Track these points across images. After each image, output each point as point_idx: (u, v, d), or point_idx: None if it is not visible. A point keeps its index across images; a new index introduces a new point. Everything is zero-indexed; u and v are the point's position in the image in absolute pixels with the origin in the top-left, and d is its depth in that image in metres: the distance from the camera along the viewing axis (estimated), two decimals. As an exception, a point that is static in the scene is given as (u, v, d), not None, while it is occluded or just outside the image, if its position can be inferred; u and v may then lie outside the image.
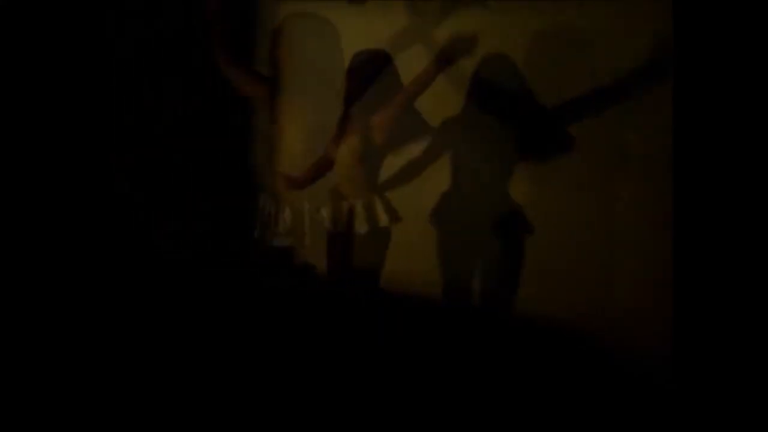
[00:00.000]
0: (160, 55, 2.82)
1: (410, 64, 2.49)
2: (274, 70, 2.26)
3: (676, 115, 2.04)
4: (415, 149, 2.49)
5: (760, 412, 1.89)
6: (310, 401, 2.26)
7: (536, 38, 2.31)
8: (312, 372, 2.34)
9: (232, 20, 2.56)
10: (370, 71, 2.12)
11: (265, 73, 2.40)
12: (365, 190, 2.23)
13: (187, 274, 2.79)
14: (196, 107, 2.83)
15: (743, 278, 1.93)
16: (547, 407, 2.24)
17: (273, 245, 2.28)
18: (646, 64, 2.12)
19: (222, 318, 2.69)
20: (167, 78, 2.82)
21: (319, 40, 2.26)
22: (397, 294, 2.65)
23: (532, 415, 2.21)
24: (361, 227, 2.12)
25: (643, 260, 2.19)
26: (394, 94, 2.16)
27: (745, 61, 1.91)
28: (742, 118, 1.92)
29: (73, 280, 2.70)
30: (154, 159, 2.83)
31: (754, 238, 1.91)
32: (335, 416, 2.22)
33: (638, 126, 2.18)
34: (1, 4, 2.58)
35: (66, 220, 2.72)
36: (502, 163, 2.42)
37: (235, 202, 2.55)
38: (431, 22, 2.34)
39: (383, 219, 2.18)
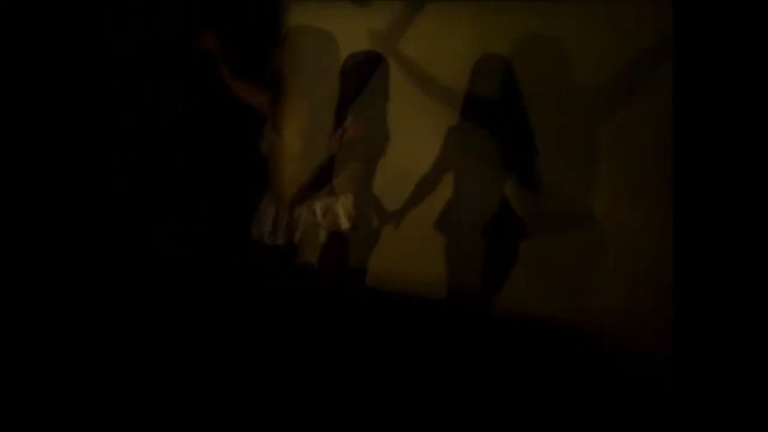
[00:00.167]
0: (160, 55, 2.82)
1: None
2: (278, 79, 2.28)
3: (676, 114, 2.04)
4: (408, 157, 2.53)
5: (760, 412, 1.89)
6: (310, 401, 2.26)
7: (521, 42, 2.34)
8: (312, 372, 2.34)
9: (232, 36, 2.60)
10: (365, 72, 2.13)
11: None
12: (357, 189, 2.25)
13: (187, 274, 2.79)
14: (196, 107, 2.83)
15: (743, 278, 1.93)
16: (547, 407, 2.23)
17: (268, 243, 2.28)
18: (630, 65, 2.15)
19: (222, 318, 2.69)
20: (167, 78, 2.83)
21: (321, 50, 2.28)
22: (396, 294, 2.66)
23: (533, 415, 2.21)
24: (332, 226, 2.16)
25: (643, 260, 2.19)
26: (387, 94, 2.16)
27: (745, 60, 1.91)
28: (742, 117, 1.92)
29: (73, 280, 2.70)
30: (154, 159, 2.83)
31: (754, 237, 1.91)
32: (335, 416, 2.22)
33: (638, 125, 2.18)
34: (1, 4, 2.58)
35: (66, 220, 2.72)
36: (499, 166, 2.43)
37: (235, 202, 2.54)
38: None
39: (343, 222, 2.20)
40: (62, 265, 2.70)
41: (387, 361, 2.51)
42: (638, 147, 2.19)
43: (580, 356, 2.30)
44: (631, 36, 2.16)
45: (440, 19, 2.51)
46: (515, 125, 2.39)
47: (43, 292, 2.65)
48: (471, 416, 2.22)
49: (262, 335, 2.46)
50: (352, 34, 2.61)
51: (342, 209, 2.21)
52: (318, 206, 2.19)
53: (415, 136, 2.59)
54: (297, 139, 2.17)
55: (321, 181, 2.22)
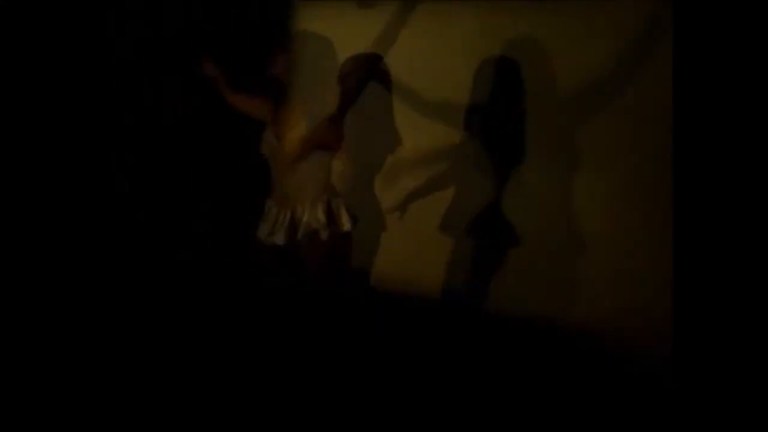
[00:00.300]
0: (160, 55, 2.82)
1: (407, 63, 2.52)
2: (278, 83, 2.30)
3: (676, 114, 2.04)
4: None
5: (760, 412, 1.89)
6: (310, 400, 2.26)
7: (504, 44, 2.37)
8: (311, 371, 2.34)
9: (232, 36, 2.62)
10: (363, 73, 2.14)
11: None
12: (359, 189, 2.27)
13: (187, 274, 2.79)
14: (196, 107, 2.83)
15: (743, 278, 1.92)
16: (547, 407, 2.23)
17: (271, 243, 2.29)
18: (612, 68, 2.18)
19: (222, 318, 2.70)
20: (167, 78, 2.83)
21: (320, 54, 2.30)
22: (395, 295, 2.66)
23: (533, 416, 2.21)
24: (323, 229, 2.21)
25: (643, 260, 2.19)
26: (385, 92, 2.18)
27: (745, 60, 1.90)
28: (742, 116, 1.92)
29: (73, 280, 2.71)
30: (154, 159, 2.83)
31: (754, 237, 1.91)
32: (335, 415, 2.22)
33: (638, 124, 2.18)
34: (1, 4, 2.58)
35: (66, 219, 2.72)
36: (497, 169, 2.44)
37: (235, 202, 2.55)
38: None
39: (344, 222, 2.22)
40: (62, 264, 2.70)
41: (386, 360, 2.51)
42: (638, 147, 2.18)
43: (580, 356, 2.30)
44: (631, 36, 2.16)
45: (437, 19, 2.52)
46: (511, 128, 2.39)
47: (43, 291, 2.65)
48: (472, 416, 2.22)
49: (262, 335, 2.46)
50: (356, 36, 2.62)
51: (343, 210, 2.23)
52: (319, 207, 2.20)
53: (414, 137, 2.60)
54: (296, 142, 2.18)
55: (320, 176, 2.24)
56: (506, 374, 2.38)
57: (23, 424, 2.17)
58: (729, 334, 1.95)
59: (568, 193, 2.33)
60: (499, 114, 2.43)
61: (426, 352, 2.54)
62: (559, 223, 2.34)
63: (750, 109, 1.90)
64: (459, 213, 2.53)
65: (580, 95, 2.26)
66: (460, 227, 2.53)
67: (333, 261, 2.26)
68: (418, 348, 2.56)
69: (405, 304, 2.66)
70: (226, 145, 2.63)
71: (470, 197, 2.49)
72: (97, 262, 2.77)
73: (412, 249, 2.66)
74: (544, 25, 2.29)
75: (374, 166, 2.67)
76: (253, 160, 2.51)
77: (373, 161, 2.67)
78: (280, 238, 2.25)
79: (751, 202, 1.91)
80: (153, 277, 2.78)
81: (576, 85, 2.26)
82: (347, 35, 2.65)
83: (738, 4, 1.90)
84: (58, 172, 2.71)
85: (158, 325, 2.69)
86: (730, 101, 1.93)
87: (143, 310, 2.74)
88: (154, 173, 2.83)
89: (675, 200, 2.05)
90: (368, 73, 2.10)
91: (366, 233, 2.66)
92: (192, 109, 2.83)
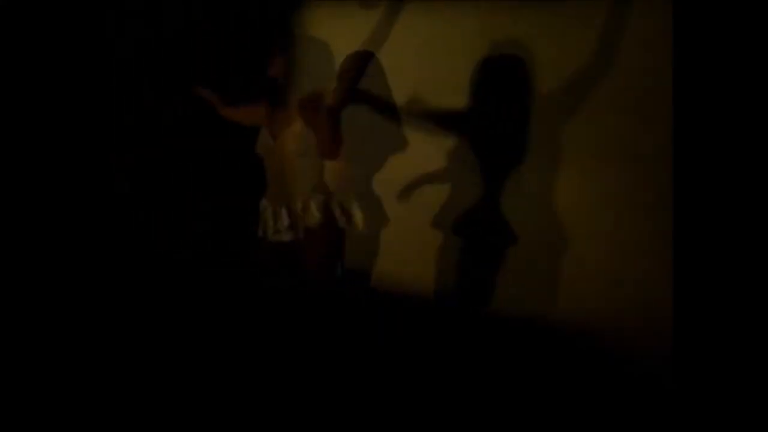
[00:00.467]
0: (160, 55, 2.82)
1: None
2: (275, 84, 2.32)
3: (676, 114, 2.04)
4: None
5: (760, 412, 1.89)
6: (310, 400, 2.26)
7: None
8: (311, 371, 2.34)
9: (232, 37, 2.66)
10: (357, 72, 2.16)
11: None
12: (347, 185, 2.30)
13: (187, 273, 2.79)
14: (196, 107, 2.83)
15: (743, 278, 1.93)
16: (547, 407, 2.23)
17: (272, 242, 2.31)
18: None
19: (222, 318, 2.70)
20: (167, 78, 2.83)
21: (316, 57, 2.33)
22: (395, 295, 2.66)
23: (533, 415, 2.21)
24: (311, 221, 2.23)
25: (643, 260, 2.19)
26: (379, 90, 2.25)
27: (745, 60, 1.90)
28: (742, 117, 1.92)
29: (73, 280, 2.70)
30: (154, 159, 2.83)
31: (754, 237, 1.91)
32: (334, 415, 2.22)
33: (638, 126, 2.18)
34: (1, 4, 2.58)
35: (67, 219, 2.72)
36: (495, 169, 2.44)
37: (235, 202, 2.55)
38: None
39: (340, 220, 2.24)
40: (63, 264, 2.70)
41: (386, 360, 2.51)
42: (638, 147, 2.18)
43: (580, 356, 2.30)
44: (631, 36, 2.16)
45: (435, 19, 2.52)
46: (511, 128, 2.39)
47: (43, 291, 2.65)
48: (471, 417, 2.22)
49: (262, 335, 2.46)
50: (358, 36, 2.63)
51: (337, 208, 2.23)
52: (313, 204, 2.21)
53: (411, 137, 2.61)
54: (290, 141, 2.19)
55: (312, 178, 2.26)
56: (506, 374, 2.38)
57: (23, 424, 2.17)
58: (729, 334, 1.95)
59: (567, 193, 2.33)
60: (498, 114, 2.43)
61: (426, 352, 2.54)
62: (559, 223, 2.34)
63: (750, 108, 1.90)
64: (456, 212, 2.53)
65: (580, 95, 2.26)
66: (459, 227, 2.53)
67: (329, 258, 2.27)
68: (418, 348, 2.56)
69: (405, 304, 2.66)
70: (226, 145, 2.63)
71: (469, 197, 2.49)
72: (97, 262, 2.76)
73: (412, 249, 2.66)
74: (544, 24, 2.29)
75: (374, 165, 2.68)
76: (252, 160, 2.52)
77: (373, 161, 2.68)
78: (287, 236, 2.27)
79: (751, 202, 1.91)
80: (153, 277, 2.78)
81: (576, 85, 2.26)
82: (348, 35, 2.66)
83: (738, 4, 1.90)
84: (59, 172, 2.71)
85: (158, 325, 2.69)
86: (730, 101, 1.93)
87: (143, 310, 2.73)
88: (154, 173, 2.83)
89: (675, 200, 2.05)
90: (362, 69, 2.12)
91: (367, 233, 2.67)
92: (192, 109, 2.83)
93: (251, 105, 2.41)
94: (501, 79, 2.41)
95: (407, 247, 2.66)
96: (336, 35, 2.63)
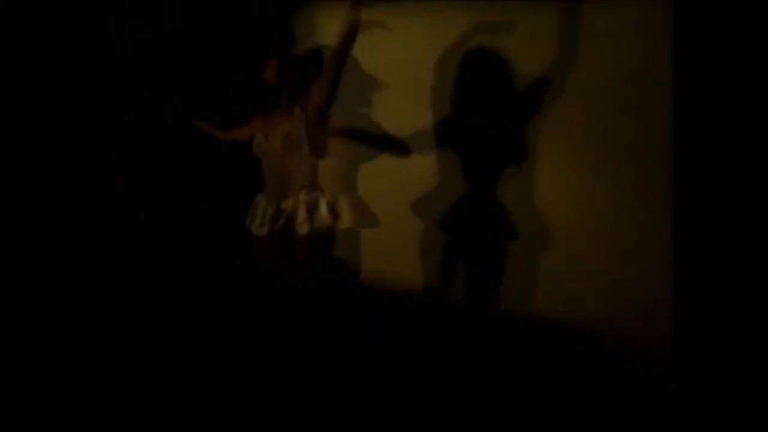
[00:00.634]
0: (160, 55, 2.82)
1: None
2: (270, 86, 2.39)
3: (676, 114, 2.04)
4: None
5: (760, 412, 1.89)
6: (310, 399, 2.26)
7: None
8: (310, 370, 2.34)
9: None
10: (335, 69, 2.24)
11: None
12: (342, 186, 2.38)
13: (187, 273, 2.79)
14: (196, 107, 2.83)
15: (743, 278, 1.93)
16: (547, 407, 2.24)
17: (255, 234, 2.39)
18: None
19: (221, 317, 2.70)
20: (167, 78, 2.83)
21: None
22: (394, 294, 2.66)
23: (533, 415, 2.21)
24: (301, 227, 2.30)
25: (643, 260, 2.19)
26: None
27: (745, 60, 1.90)
28: (742, 117, 1.92)
29: (73, 279, 2.70)
30: (154, 159, 2.83)
31: (754, 237, 1.91)
32: (334, 414, 2.22)
33: (638, 126, 2.18)
34: (1, 4, 2.58)
35: (66, 219, 2.72)
36: (492, 168, 2.45)
37: (234, 202, 2.55)
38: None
39: (326, 218, 2.30)
40: (62, 264, 2.70)
41: (386, 360, 2.51)
42: (638, 147, 2.18)
43: (580, 356, 2.30)
44: (631, 36, 2.16)
45: (433, 19, 2.53)
46: (510, 128, 2.40)
47: (43, 290, 2.65)
48: (471, 417, 2.22)
49: (261, 334, 2.46)
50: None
51: (325, 205, 2.29)
52: (302, 201, 2.28)
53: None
54: (281, 141, 2.27)
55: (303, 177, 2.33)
56: (506, 374, 2.38)
57: (23, 424, 2.17)
58: (729, 334, 1.95)
59: (567, 193, 2.33)
60: (492, 113, 2.43)
61: (425, 352, 2.54)
62: (559, 223, 2.34)
63: (750, 108, 1.90)
64: (453, 212, 2.54)
65: (579, 95, 2.26)
66: (457, 226, 2.54)
67: (316, 255, 2.32)
68: (416, 348, 2.56)
69: (405, 304, 2.66)
70: (225, 145, 2.63)
71: (465, 196, 2.50)
72: (96, 262, 2.76)
73: (410, 249, 2.66)
74: (545, 24, 2.29)
75: (361, 163, 2.70)
76: (251, 160, 2.52)
77: (361, 159, 2.70)
78: (264, 230, 2.34)
79: (751, 202, 1.91)
80: (153, 277, 2.78)
81: (576, 84, 2.27)
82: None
83: (738, 4, 1.90)
84: (59, 172, 2.71)
85: (158, 324, 2.69)
86: (730, 101, 1.93)
87: (143, 309, 2.73)
88: (154, 173, 2.83)
89: (675, 200, 2.05)
90: (342, 65, 2.20)
91: (356, 231, 2.69)
92: (192, 109, 2.83)
93: (244, 124, 2.50)
94: (495, 78, 2.41)
95: (406, 248, 2.66)
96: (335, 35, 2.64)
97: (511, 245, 2.43)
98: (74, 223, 2.73)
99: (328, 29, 2.69)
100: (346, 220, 2.31)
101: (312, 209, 2.28)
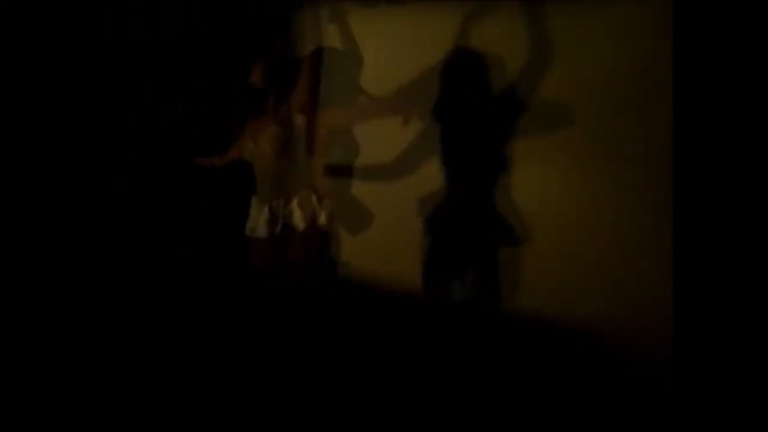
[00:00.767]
0: (160, 55, 2.82)
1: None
2: (257, 90, 2.43)
3: (676, 114, 2.04)
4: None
5: (760, 412, 1.89)
6: (310, 399, 2.26)
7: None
8: (310, 371, 2.35)
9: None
10: (314, 71, 2.30)
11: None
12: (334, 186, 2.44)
13: (187, 274, 2.79)
14: (196, 107, 2.83)
15: (743, 278, 1.93)
16: (547, 407, 2.23)
17: (255, 237, 2.43)
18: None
19: (221, 317, 2.69)
20: (167, 78, 2.83)
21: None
22: (395, 294, 2.66)
23: (533, 415, 2.21)
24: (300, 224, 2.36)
25: (643, 260, 2.19)
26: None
27: (745, 60, 1.90)
28: (741, 117, 1.92)
29: (73, 280, 2.70)
30: (154, 159, 2.83)
31: (754, 237, 1.91)
32: (334, 414, 2.22)
33: (638, 126, 2.18)
34: (1, 4, 2.58)
35: (66, 219, 2.72)
36: (490, 169, 2.45)
37: (234, 202, 2.57)
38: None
39: (320, 217, 2.32)
40: (62, 264, 2.70)
41: (385, 360, 2.51)
42: (638, 147, 2.18)
43: (580, 356, 2.30)
44: (631, 36, 2.16)
45: (434, 19, 2.52)
46: (510, 127, 2.40)
47: (43, 291, 2.65)
48: (471, 417, 2.22)
49: (261, 335, 2.46)
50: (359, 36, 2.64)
51: (318, 205, 2.33)
52: (295, 202, 2.32)
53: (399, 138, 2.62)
54: (269, 145, 2.29)
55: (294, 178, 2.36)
56: (506, 374, 2.38)
57: (23, 424, 2.17)
58: (729, 334, 1.95)
59: (567, 193, 2.33)
60: (495, 114, 2.43)
61: (424, 353, 2.54)
62: (559, 223, 2.34)
63: (750, 109, 1.90)
64: (452, 212, 2.54)
65: (579, 95, 2.26)
66: (457, 227, 2.54)
67: (311, 256, 2.35)
68: (417, 348, 2.56)
69: (404, 304, 2.66)
70: (225, 145, 2.63)
71: (464, 197, 2.50)
72: (96, 262, 2.76)
73: (410, 248, 2.66)
74: (545, 25, 2.29)
75: (354, 164, 2.71)
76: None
77: (353, 160, 2.70)
78: (262, 232, 2.38)
79: (750, 202, 1.91)
80: (153, 277, 2.78)
81: (576, 84, 2.27)
82: (348, 35, 2.66)
83: (738, 4, 1.90)
84: (58, 172, 2.71)
85: (157, 324, 2.69)
86: (730, 101, 1.93)
87: (143, 310, 2.73)
88: (154, 173, 2.83)
89: (675, 200, 2.05)
90: (318, 56, 2.24)
91: (350, 231, 2.69)
92: (192, 109, 2.83)
93: (235, 144, 2.57)
94: (491, 77, 2.41)
95: (406, 248, 2.66)
96: (335, 36, 2.64)
97: (510, 245, 2.43)
98: (74, 223, 2.73)
99: (327, 29, 2.69)
100: (325, 218, 2.35)
101: (305, 209, 2.32)
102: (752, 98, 1.90)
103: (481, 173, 2.47)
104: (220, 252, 2.81)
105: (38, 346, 2.53)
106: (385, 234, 2.65)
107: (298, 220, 2.32)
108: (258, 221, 2.40)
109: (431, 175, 2.57)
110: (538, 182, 2.37)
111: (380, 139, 2.66)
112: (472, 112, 2.48)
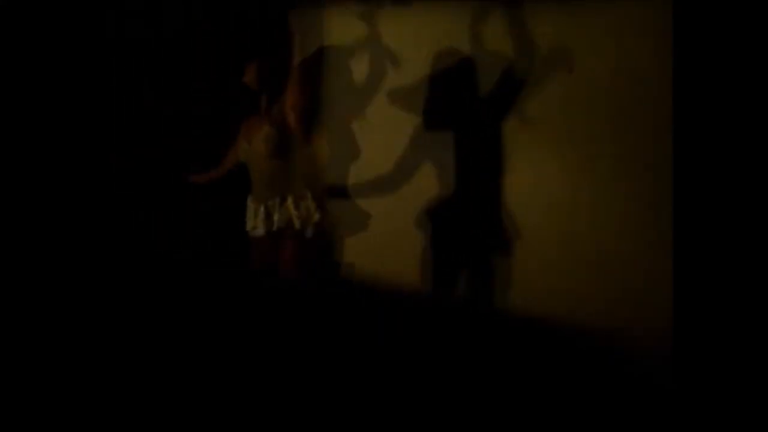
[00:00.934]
0: (160, 55, 2.82)
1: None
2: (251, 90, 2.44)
3: (676, 115, 2.04)
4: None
5: (760, 412, 1.89)
6: (309, 399, 2.26)
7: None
8: (310, 371, 2.35)
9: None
10: (309, 73, 2.33)
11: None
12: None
13: (187, 274, 2.79)
14: (196, 107, 2.83)
15: (743, 278, 1.93)
16: (547, 407, 2.23)
17: (254, 236, 2.45)
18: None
19: (221, 317, 2.69)
20: (167, 78, 2.83)
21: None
22: (395, 294, 2.66)
23: (533, 415, 2.21)
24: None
25: (644, 260, 2.19)
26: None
27: (745, 60, 1.91)
28: (741, 117, 1.92)
29: (73, 279, 2.70)
30: (154, 159, 2.83)
31: (754, 237, 1.91)
32: (334, 414, 2.22)
33: (638, 126, 2.18)
34: (1, 4, 2.58)
35: (66, 219, 2.72)
36: (490, 169, 2.45)
37: (234, 202, 2.57)
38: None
39: (314, 216, 2.39)
40: (62, 264, 2.70)
41: (385, 360, 2.51)
42: (638, 148, 2.18)
43: (580, 356, 2.30)
44: (631, 36, 2.16)
45: (434, 20, 2.53)
46: (509, 127, 2.40)
47: (43, 290, 2.65)
48: (471, 417, 2.22)
49: (261, 334, 2.46)
50: (356, 36, 2.64)
51: (312, 204, 2.35)
52: (290, 200, 2.34)
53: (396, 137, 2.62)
54: (262, 144, 2.32)
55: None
56: (506, 374, 2.38)
57: (23, 424, 2.17)
58: (729, 333, 1.95)
59: (567, 193, 2.33)
60: (495, 114, 2.44)
61: (424, 352, 2.54)
62: (560, 223, 2.34)
63: (750, 108, 1.90)
64: (450, 213, 2.54)
65: (580, 95, 2.26)
66: (456, 227, 2.54)
67: (306, 254, 2.37)
68: (417, 348, 2.56)
69: (404, 304, 2.66)
70: (225, 145, 2.63)
71: (463, 197, 2.50)
72: (96, 262, 2.76)
73: (409, 248, 2.66)
74: (545, 24, 2.29)
75: (352, 165, 2.72)
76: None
77: (351, 161, 2.71)
78: (261, 231, 2.40)
79: (750, 202, 1.91)
80: (153, 277, 2.78)
81: (576, 84, 2.27)
82: (348, 35, 2.66)
83: (738, 4, 1.90)
84: (59, 172, 2.71)
85: (157, 324, 2.69)
86: (730, 102, 1.93)
87: (143, 309, 2.73)
88: (154, 173, 2.83)
89: (675, 201, 2.05)
90: (318, 57, 2.26)
91: (350, 232, 2.71)
92: (192, 109, 2.83)
93: (230, 151, 2.58)
94: (490, 78, 2.42)
95: (405, 248, 2.66)
96: (335, 35, 2.64)
97: (510, 245, 2.43)
98: (74, 223, 2.73)
99: (328, 29, 2.69)
100: (316, 218, 2.36)
101: (300, 208, 2.34)
102: (752, 98, 1.90)
103: (481, 174, 2.47)
104: (220, 252, 2.82)
105: (38, 346, 2.53)
106: (385, 234, 2.65)
107: (294, 219, 2.34)
108: (256, 221, 2.41)
109: (431, 177, 2.57)
110: (537, 182, 2.37)
111: (380, 139, 2.67)
112: (471, 113, 2.49)
